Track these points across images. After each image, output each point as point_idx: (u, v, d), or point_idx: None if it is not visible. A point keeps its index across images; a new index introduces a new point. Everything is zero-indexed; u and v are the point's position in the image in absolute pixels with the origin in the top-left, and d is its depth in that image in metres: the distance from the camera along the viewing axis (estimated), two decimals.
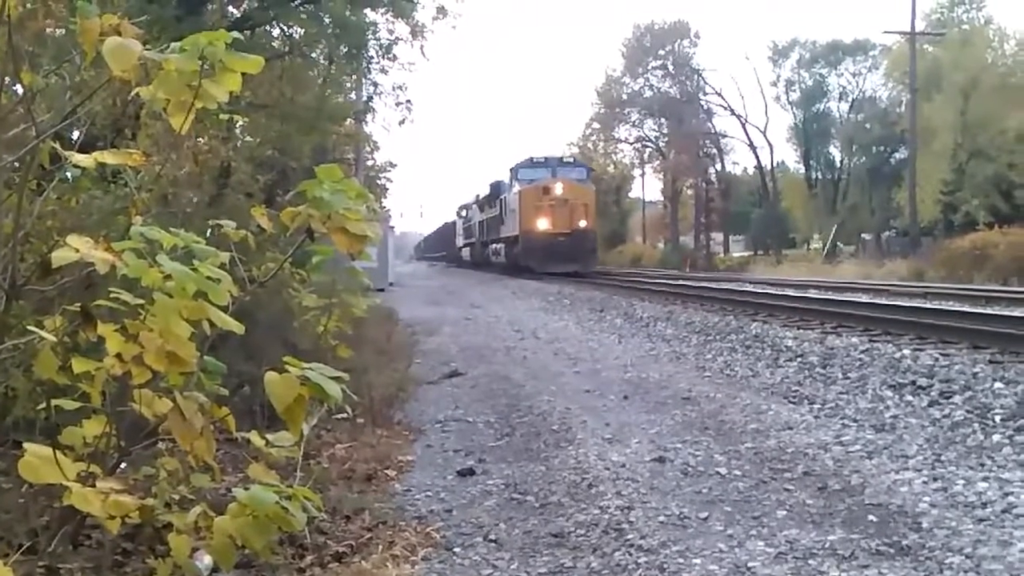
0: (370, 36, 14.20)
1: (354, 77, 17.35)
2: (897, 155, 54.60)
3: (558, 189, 34.60)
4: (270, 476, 3.01)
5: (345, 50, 13.75)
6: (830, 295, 18.47)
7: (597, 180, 46.59)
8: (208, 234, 3.43)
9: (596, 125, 67.56)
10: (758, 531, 4.39)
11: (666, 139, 64.05)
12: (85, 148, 3.12)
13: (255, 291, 3.44)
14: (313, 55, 14.95)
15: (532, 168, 37.31)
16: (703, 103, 61.61)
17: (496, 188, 42.89)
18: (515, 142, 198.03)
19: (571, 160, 41.25)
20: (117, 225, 4.12)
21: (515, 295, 25.39)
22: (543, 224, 34.39)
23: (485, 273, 43.15)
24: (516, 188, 36.70)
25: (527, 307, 20.94)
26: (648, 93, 63.93)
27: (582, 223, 34.58)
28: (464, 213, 59.04)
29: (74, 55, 3.97)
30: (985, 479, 5.11)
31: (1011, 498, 4.71)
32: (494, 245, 43.51)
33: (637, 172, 70.02)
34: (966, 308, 13.83)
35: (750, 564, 3.94)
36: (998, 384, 7.29)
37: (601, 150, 67.57)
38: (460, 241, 60.79)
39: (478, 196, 51.35)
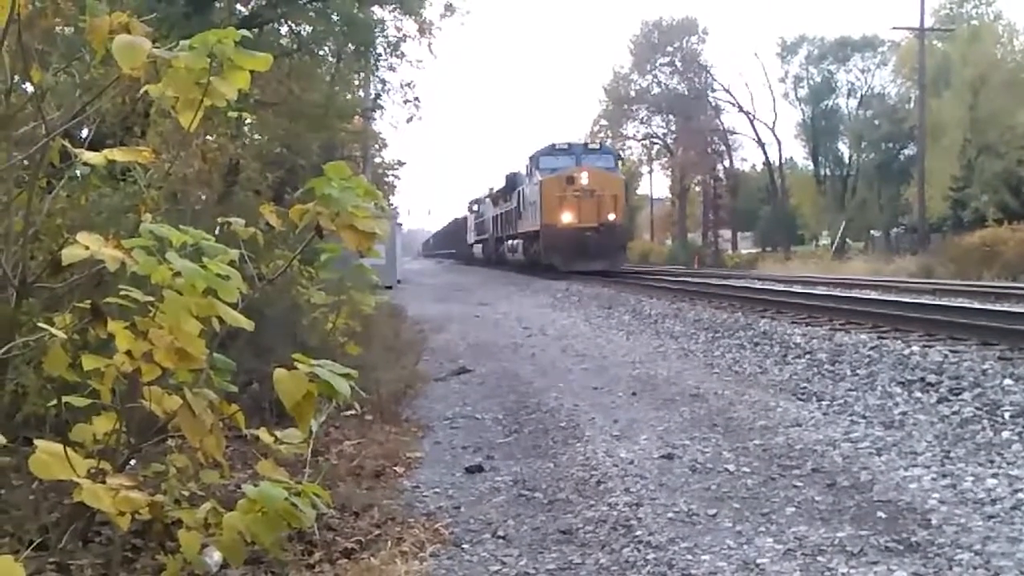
0: (378, 33, 14.22)
1: (362, 75, 17.36)
2: (906, 151, 54.46)
3: (584, 179, 30.74)
4: (279, 473, 3.02)
5: (353, 47, 13.79)
6: (839, 292, 18.44)
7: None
8: (217, 232, 3.44)
9: (604, 122, 67.53)
10: (767, 528, 4.39)
11: (674, 136, 64.02)
12: (95, 146, 3.13)
13: (264, 288, 3.46)
14: (321, 53, 14.98)
15: (554, 156, 33.15)
16: (711, 100, 61.61)
17: (512, 180, 39.38)
18: (523, 139, 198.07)
19: (597, 146, 36.50)
20: (127, 223, 4.13)
21: (523, 292, 25.39)
22: (567, 217, 30.51)
23: (493, 270, 42.51)
24: (537, 178, 32.49)
25: (535, 304, 20.93)
26: (656, 90, 63.91)
27: (611, 216, 30.61)
28: (476, 208, 55.92)
29: (83, 53, 3.99)
30: (994, 476, 5.10)
31: (1020, 495, 4.70)
32: (510, 241, 39.82)
33: (645, 169, 70.07)
34: (975, 305, 13.79)
35: (759, 561, 3.94)
36: (1007, 381, 7.27)
37: None
38: (472, 237, 57.67)
39: (491, 189, 48.48)
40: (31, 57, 3.11)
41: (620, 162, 36.74)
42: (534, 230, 32.77)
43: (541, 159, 33.36)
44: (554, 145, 33.92)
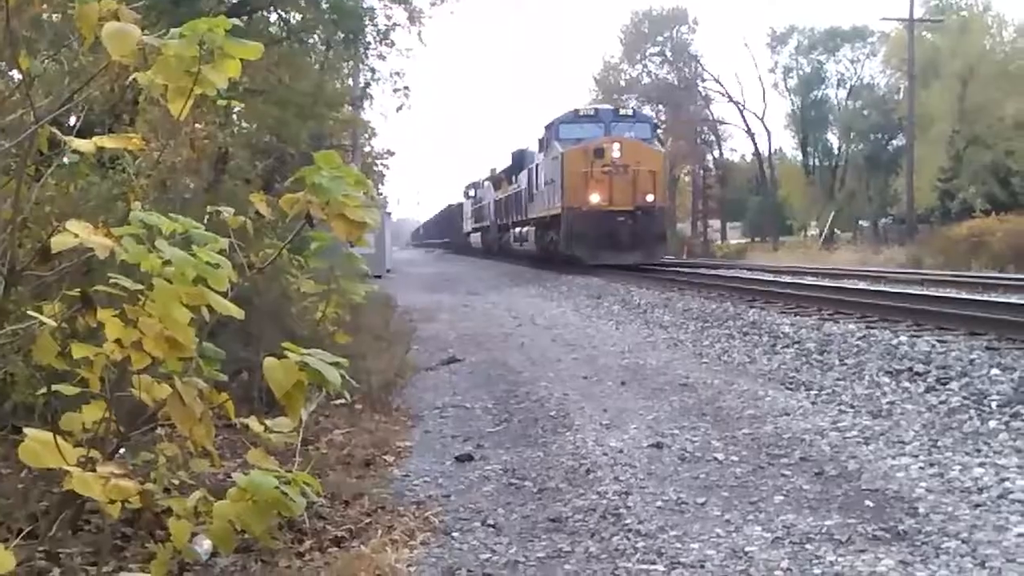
0: (367, 22, 14.18)
1: (351, 63, 17.30)
2: (895, 142, 54.57)
3: (615, 151, 24.92)
4: (269, 461, 3.02)
5: (342, 36, 13.72)
6: (827, 282, 18.48)
7: None
8: (207, 220, 3.44)
9: None
10: (755, 516, 4.41)
11: (664, 126, 63.95)
12: (83, 134, 3.11)
13: (254, 277, 3.45)
14: (310, 41, 14.92)
15: (577, 124, 27.12)
16: (701, 90, 61.58)
17: (519, 158, 34.05)
18: (513, 130, 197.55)
19: (630, 113, 29.49)
20: (116, 210, 4.12)
21: (513, 282, 25.40)
22: (596, 198, 24.82)
23: (485, 260, 41.86)
24: (557, 150, 26.42)
25: (524, 294, 20.95)
26: (646, 80, 63.80)
27: (649, 197, 24.94)
28: (473, 193, 50.92)
29: (72, 40, 3.97)
30: (981, 465, 5.13)
31: (1007, 483, 4.73)
32: (518, 229, 34.13)
33: None
34: (963, 295, 13.84)
35: (747, 549, 3.96)
36: (995, 370, 7.30)
37: None
38: (468, 225, 52.38)
39: (493, 170, 43.43)
40: (19, 44, 3.08)
41: (658, 131, 30.96)
42: (552, 214, 27.02)
43: (561, 127, 27.28)
44: (577, 111, 28.27)
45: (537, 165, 29.84)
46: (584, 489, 4.93)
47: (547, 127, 28.50)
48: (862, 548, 3.94)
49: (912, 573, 3.66)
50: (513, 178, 35.20)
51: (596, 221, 24.50)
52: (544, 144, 29.01)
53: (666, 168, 30.53)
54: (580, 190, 24.93)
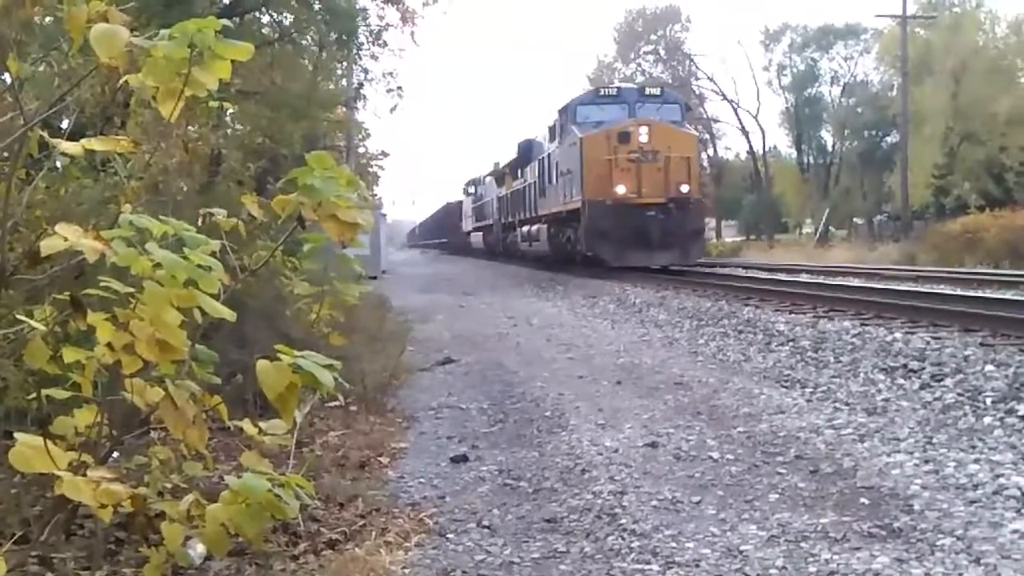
0: (360, 22, 14.17)
1: (344, 64, 17.27)
2: (889, 139, 54.67)
3: (643, 135, 21.51)
4: (263, 464, 3.01)
5: (335, 36, 13.70)
6: (822, 279, 18.50)
7: None
8: (199, 222, 3.42)
9: None
10: (750, 515, 4.41)
11: None
12: (74, 137, 3.10)
13: (246, 279, 3.44)
14: (303, 42, 14.90)
15: (597, 105, 23.56)
16: (695, 88, 61.55)
17: (526, 150, 30.53)
18: (508, 129, 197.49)
19: (658, 92, 24.71)
20: (107, 213, 4.10)
21: (508, 282, 25.39)
22: (622, 189, 21.30)
23: (482, 261, 41.13)
24: (575, 135, 22.83)
25: (520, 294, 20.94)
26: (640, 78, 63.84)
27: (683, 188, 21.54)
28: (473, 190, 47.72)
29: (62, 43, 3.95)
30: (976, 461, 5.14)
31: (1002, 480, 4.74)
32: (527, 228, 30.29)
33: None
34: (957, 291, 13.85)
35: (742, 548, 3.96)
36: (989, 367, 7.31)
37: None
38: (469, 224, 48.85)
39: (497, 164, 40.42)
40: (9, 46, 3.07)
41: (689, 113, 26.98)
42: (569, 209, 23.54)
43: (579, 110, 23.64)
44: (598, 91, 25.19)
45: (549, 155, 26.24)
46: (579, 489, 4.93)
47: (561, 110, 24.78)
48: (857, 546, 3.94)
49: (907, 570, 3.66)
50: (519, 172, 31.92)
51: (622, 216, 21.14)
52: (558, 131, 25.21)
53: (700, 155, 26.36)
54: (603, 180, 21.50)
